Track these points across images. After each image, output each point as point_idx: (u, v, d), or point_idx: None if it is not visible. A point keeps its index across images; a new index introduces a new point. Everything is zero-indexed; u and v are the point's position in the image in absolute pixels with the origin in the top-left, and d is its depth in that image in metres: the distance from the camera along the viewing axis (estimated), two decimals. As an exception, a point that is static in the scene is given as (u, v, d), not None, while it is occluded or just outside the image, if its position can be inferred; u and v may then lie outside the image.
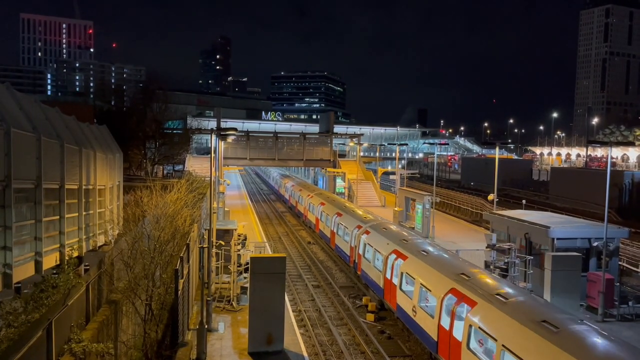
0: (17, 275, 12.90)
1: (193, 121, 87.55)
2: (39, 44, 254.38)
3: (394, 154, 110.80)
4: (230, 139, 52.19)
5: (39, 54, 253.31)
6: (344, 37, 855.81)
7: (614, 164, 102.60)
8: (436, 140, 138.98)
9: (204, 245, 19.96)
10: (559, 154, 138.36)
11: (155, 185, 19.59)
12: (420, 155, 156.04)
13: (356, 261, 29.02)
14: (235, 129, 21.96)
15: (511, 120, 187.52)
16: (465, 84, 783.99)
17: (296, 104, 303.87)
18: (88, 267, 15.22)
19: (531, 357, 12.06)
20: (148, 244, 15.36)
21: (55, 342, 9.36)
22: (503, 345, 13.06)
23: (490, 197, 39.53)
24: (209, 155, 24.13)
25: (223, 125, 67.48)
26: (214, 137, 21.40)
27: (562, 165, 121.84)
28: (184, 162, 61.41)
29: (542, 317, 13.07)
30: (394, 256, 22.69)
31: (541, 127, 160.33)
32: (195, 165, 57.38)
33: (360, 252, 27.91)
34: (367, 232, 27.90)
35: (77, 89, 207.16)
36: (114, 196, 23.32)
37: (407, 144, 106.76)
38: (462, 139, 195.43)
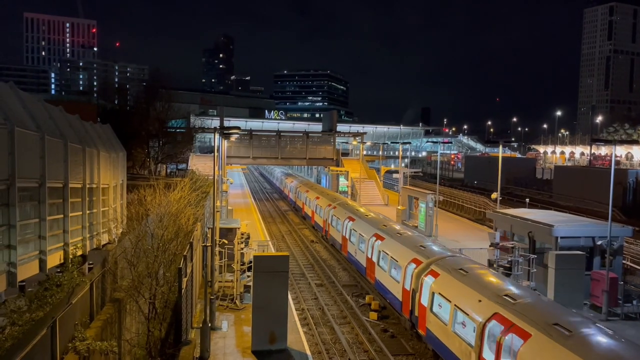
0: (22, 273, 12.94)
1: (196, 120, 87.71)
2: (43, 43, 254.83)
3: (397, 153, 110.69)
4: (233, 138, 51.91)
5: (43, 53, 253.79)
6: (346, 36, 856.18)
7: (618, 163, 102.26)
8: (439, 139, 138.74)
9: (207, 244, 19.98)
10: (562, 153, 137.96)
11: (159, 184, 19.68)
12: (424, 153, 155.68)
13: (415, 313, 19.86)
14: (238, 128, 21.95)
15: (514, 119, 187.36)
16: (468, 83, 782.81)
17: (299, 103, 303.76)
18: (92, 266, 15.28)
19: None
20: (151, 243, 15.41)
21: (59, 340, 9.39)
22: None
23: (494, 195, 39.46)
24: (212, 154, 24.24)
25: (226, 123, 67.45)
26: (217, 135, 21.40)
27: (565, 164, 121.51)
28: (187, 160, 61.53)
29: None
30: (497, 326, 14.15)
31: (545, 126, 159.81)
32: (198, 163, 57.51)
33: (425, 303, 18.92)
34: (434, 274, 18.81)
35: (81, 88, 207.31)
36: (118, 195, 23.36)
37: (410, 143, 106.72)
38: (465, 137, 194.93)
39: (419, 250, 21.74)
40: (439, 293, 17.89)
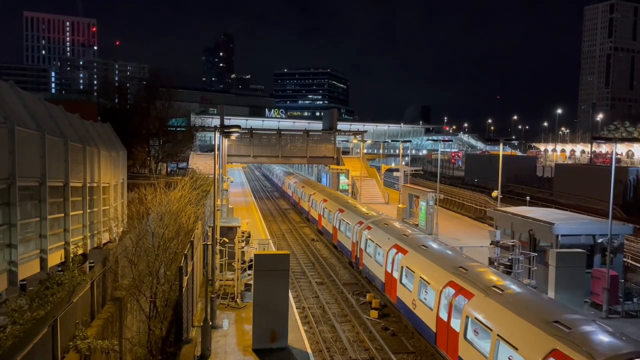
0: (23, 272, 12.97)
1: (196, 119, 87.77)
2: (43, 42, 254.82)
3: (397, 151, 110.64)
4: (233, 137, 52.29)
5: (43, 52, 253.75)
6: (346, 34, 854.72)
7: (618, 160, 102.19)
8: (440, 137, 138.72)
9: (208, 243, 19.99)
10: (563, 151, 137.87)
11: (159, 182, 19.66)
12: (424, 152, 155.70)
13: None
14: (238, 127, 22.00)
15: (515, 117, 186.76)
16: (468, 81, 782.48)
17: (299, 101, 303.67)
18: (93, 265, 15.27)
19: None
20: (152, 241, 15.41)
21: (60, 339, 9.41)
22: None
23: (494, 193, 39.44)
24: (213, 152, 24.25)
25: (226, 122, 67.60)
26: (217, 134, 21.40)
27: (566, 162, 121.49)
28: (188, 159, 61.55)
29: None
30: None
31: (545, 124, 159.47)
32: (198, 162, 57.53)
33: None
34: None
35: (81, 87, 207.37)
36: (118, 194, 23.38)
37: (410, 141, 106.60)
38: (466, 135, 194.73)
39: (559, 334, 11.83)
40: None
